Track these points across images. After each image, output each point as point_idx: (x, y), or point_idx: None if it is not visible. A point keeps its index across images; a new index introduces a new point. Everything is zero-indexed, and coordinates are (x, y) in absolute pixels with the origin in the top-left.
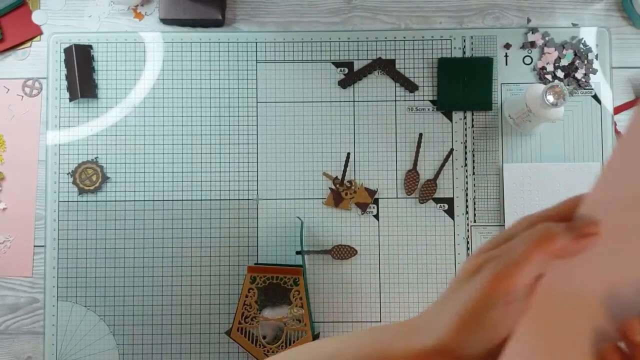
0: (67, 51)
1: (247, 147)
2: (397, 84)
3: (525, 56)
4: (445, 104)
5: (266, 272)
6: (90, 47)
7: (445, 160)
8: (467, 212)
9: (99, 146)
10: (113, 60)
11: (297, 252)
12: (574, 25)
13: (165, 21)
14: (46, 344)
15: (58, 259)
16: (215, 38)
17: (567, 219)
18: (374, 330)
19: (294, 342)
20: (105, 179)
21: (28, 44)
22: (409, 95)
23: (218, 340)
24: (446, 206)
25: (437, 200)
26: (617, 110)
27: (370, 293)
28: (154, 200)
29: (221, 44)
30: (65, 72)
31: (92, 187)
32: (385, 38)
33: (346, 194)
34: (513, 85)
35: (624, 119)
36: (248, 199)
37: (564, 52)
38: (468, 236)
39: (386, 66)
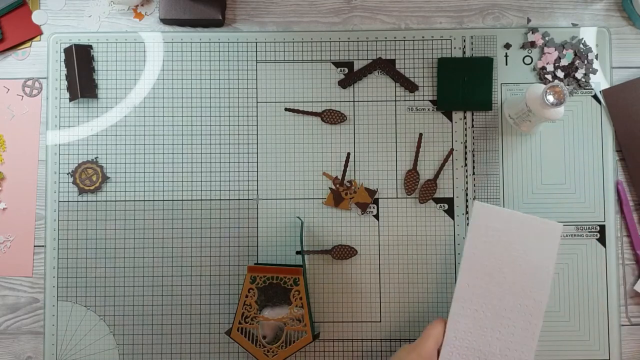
0: (67, 51)
1: (247, 147)
2: (397, 84)
3: (525, 56)
4: (445, 104)
5: (266, 272)
6: (90, 47)
7: (445, 160)
8: (467, 212)
9: (99, 146)
10: (113, 60)
11: (297, 252)
12: (574, 25)
13: (165, 21)
14: (46, 344)
15: (58, 259)
16: (215, 38)
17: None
18: None
19: (293, 342)
20: (105, 179)
21: (28, 44)
22: (409, 95)
23: (218, 340)
24: (446, 206)
25: (437, 200)
26: None
27: (370, 293)
28: (154, 200)
29: (221, 44)
30: (65, 72)
31: (92, 187)
32: (385, 38)
33: (346, 194)
34: (513, 85)
35: None
36: (248, 199)
37: (564, 52)
38: None
39: (386, 66)
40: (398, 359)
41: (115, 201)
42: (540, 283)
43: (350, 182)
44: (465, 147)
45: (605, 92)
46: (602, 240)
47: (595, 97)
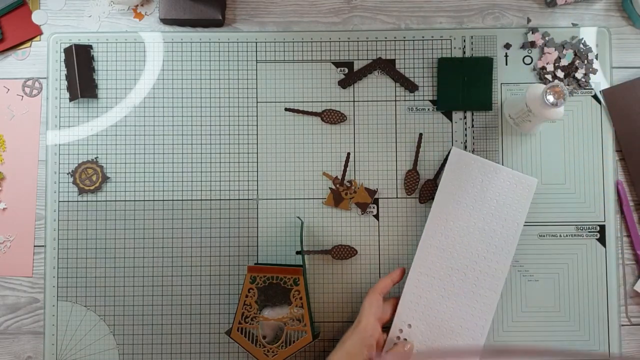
0: (67, 51)
1: (247, 147)
2: (397, 84)
3: (525, 56)
4: (445, 104)
5: (266, 272)
6: (90, 47)
7: (445, 160)
8: None
9: (99, 146)
10: (113, 60)
11: (297, 252)
12: (574, 25)
13: (165, 21)
14: (46, 344)
15: (58, 259)
16: (215, 38)
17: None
18: None
19: (294, 342)
20: (105, 179)
21: (28, 44)
22: (409, 95)
23: (218, 340)
24: None
25: None
26: None
27: None
28: (154, 200)
29: (221, 44)
30: (65, 72)
31: (92, 187)
32: (385, 38)
33: (346, 194)
34: (513, 85)
35: None
36: (248, 199)
37: (564, 52)
38: None
39: (386, 66)
40: (342, 342)
41: (115, 201)
42: (509, 233)
43: (350, 182)
44: (465, 147)
45: (605, 92)
46: (602, 240)
47: (595, 97)
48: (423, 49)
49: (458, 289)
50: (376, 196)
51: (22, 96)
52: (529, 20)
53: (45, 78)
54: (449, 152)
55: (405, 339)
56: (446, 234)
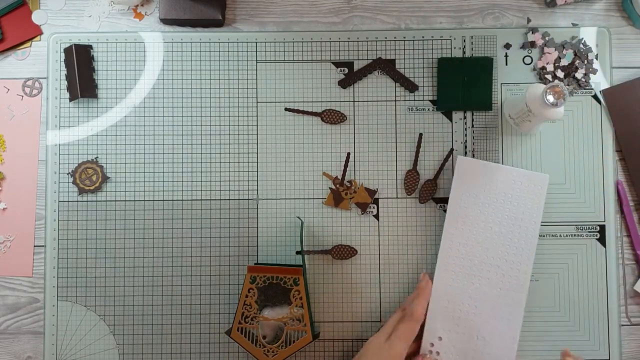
0: (67, 51)
1: (247, 147)
2: (397, 84)
3: (525, 56)
4: (445, 104)
5: (266, 272)
6: (90, 47)
7: (445, 160)
8: None
9: (99, 146)
10: (113, 60)
11: (297, 252)
12: (574, 25)
13: (165, 21)
14: (46, 344)
15: (58, 259)
16: (215, 38)
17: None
18: None
19: (293, 342)
20: (105, 179)
21: (28, 44)
22: (409, 95)
23: (218, 340)
24: (446, 206)
25: (437, 200)
26: None
27: (370, 293)
28: (154, 200)
29: (221, 44)
30: (65, 72)
31: (92, 187)
32: (385, 38)
33: (346, 194)
34: (513, 85)
35: None
36: (248, 199)
37: (564, 52)
38: None
39: (386, 66)
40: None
41: (115, 201)
42: (528, 232)
43: (350, 182)
44: (465, 147)
45: (605, 92)
46: (602, 240)
47: (595, 97)
48: (423, 49)
49: (484, 295)
50: (376, 196)
51: (22, 96)
52: (529, 20)
53: (45, 78)
54: (449, 152)
55: (438, 352)
56: (464, 243)
